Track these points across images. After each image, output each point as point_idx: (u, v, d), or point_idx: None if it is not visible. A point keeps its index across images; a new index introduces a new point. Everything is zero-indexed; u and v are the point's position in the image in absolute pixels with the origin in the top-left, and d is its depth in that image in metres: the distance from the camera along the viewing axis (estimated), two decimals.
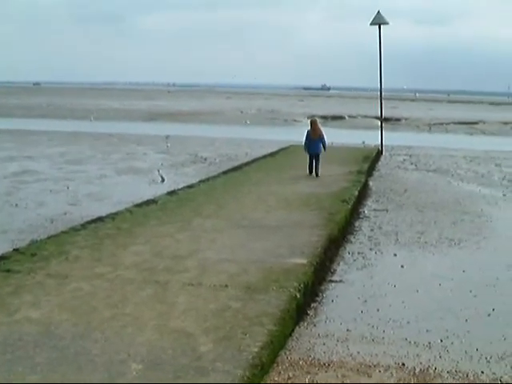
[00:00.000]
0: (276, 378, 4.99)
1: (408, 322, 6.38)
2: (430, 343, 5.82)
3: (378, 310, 6.73)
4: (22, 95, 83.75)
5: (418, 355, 5.54)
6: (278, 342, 5.35)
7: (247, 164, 18.54)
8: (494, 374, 5.23)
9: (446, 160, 23.02)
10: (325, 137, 16.18)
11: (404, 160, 22.74)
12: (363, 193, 14.26)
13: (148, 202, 11.41)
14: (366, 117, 48.72)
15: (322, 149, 15.94)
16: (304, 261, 7.45)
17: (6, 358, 4.63)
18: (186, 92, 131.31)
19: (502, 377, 5.17)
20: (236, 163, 19.27)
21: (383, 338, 5.94)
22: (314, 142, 15.86)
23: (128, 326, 5.30)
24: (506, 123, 47.54)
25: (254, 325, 5.34)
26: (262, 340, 5.05)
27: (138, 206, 11.09)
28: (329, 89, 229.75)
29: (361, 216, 11.98)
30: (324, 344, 5.75)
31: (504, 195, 15.08)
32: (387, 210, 12.59)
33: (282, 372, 5.11)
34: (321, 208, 10.99)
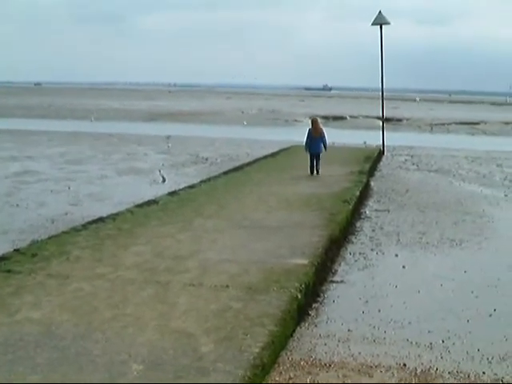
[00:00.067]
0: (277, 379, 4.98)
1: (409, 323, 6.37)
2: (431, 344, 5.81)
3: (379, 311, 6.72)
4: (22, 95, 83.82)
5: (419, 356, 5.53)
6: (279, 343, 5.34)
7: (248, 164, 18.54)
8: (495, 374, 5.22)
9: (447, 160, 23.01)
10: (326, 136, 16.40)
11: (405, 160, 22.73)
12: (364, 193, 14.25)
13: (149, 203, 11.41)
14: (367, 117, 48.70)
15: (323, 148, 16.13)
16: (305, 261, 7.44)
17: (7, 358, 4.62)
18: (186, 92, 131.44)
19: (503, 377, 5.15)
20: (237, 163, 19.27)
21: (384, 338, 5.93)
22: (315, 140, 16.08)
23: (129, 326, 5.29)
24: (507, 123, 47.53)
25: (255, 325, 5.33)
26: (263, 340, 5.04)
27: (139, 206, 11.08)
28: (330, 89, 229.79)
29: (362, 216, 11.97)
30: (325, 344, 5.75)
31: (505, 195, 15.07)
32: (388, 211, 12.58)
33: (283, 372, 5.10)
34: (322, 208, 10.98)
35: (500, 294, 7.48)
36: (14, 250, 7.85)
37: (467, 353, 5.64)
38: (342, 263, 8.65)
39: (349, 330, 6.10)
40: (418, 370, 5.22)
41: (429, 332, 6.11)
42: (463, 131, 42.38)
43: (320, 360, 5.39)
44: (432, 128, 44.56)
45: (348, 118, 50.69)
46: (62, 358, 4.63)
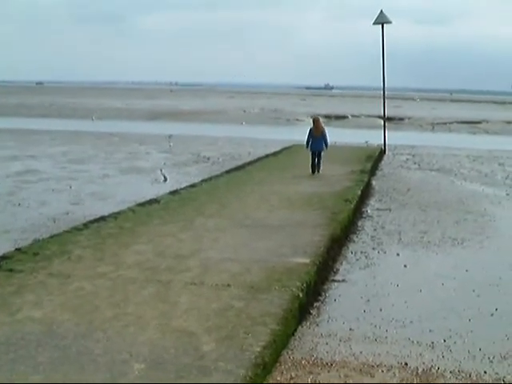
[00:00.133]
0: (278, 378, 4.98)
1: (411, 322, 6.37)
2: (432, 343, 5.80)
3: (380, 310, 6.71)
4: (24, 94, 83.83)
5: (420, 355, 5.53)
6: (280, 342, 5.34)
7: (250, 163, 18.53)
8: (496, 373, 5.21)
9: (449, 159, 22.99)
10: (327, 134, 16.42)
11: (407, 159, 22.72)
12: (366, 192, 14.25)
13: (151, 202, 11.41)
14: (369, 116, 48.65)
15: (324, 146, 16.15)
16: (307, 260, 7.43)
17: (9, 357, 4.62)
18: (188, 91, 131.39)
19: (504, 377, 5.15)
20: (239, 162, 19.28)
21: (386, 337, 5.93)
22: (316, 139, 16.13)
23: (130, 325, 5.29)
24: (509, 122, 47.43)
25: (256, 324, 5.33)
26: (264, 339, 5.04)
27: (141, 205, 11.09)
28: (332, 88, 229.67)
29: (364, 215, 11.97)
30: (327, 344, 5.74)
31: (507, 194, 15.06)
32: (390, 210, 12.57)
33: (285, 372, 5.10)
34: (323, 207, 10.97)
35: (502, 293, 7.48)
36: (16, 249, 7.86)
37: (469, 352, 5.63)
38: (344, 262, 8.65)
39: (350, 329, 6.10)
40: (420, 370, 5.22)
41: (430, 331, 6.11)
42: (465, 130, 42.32)
43: (321, 359, 5.39)
44: (434, 127, 44.51)
45: (350, 117, 50.63)
46: (64, 358, 4.63)
